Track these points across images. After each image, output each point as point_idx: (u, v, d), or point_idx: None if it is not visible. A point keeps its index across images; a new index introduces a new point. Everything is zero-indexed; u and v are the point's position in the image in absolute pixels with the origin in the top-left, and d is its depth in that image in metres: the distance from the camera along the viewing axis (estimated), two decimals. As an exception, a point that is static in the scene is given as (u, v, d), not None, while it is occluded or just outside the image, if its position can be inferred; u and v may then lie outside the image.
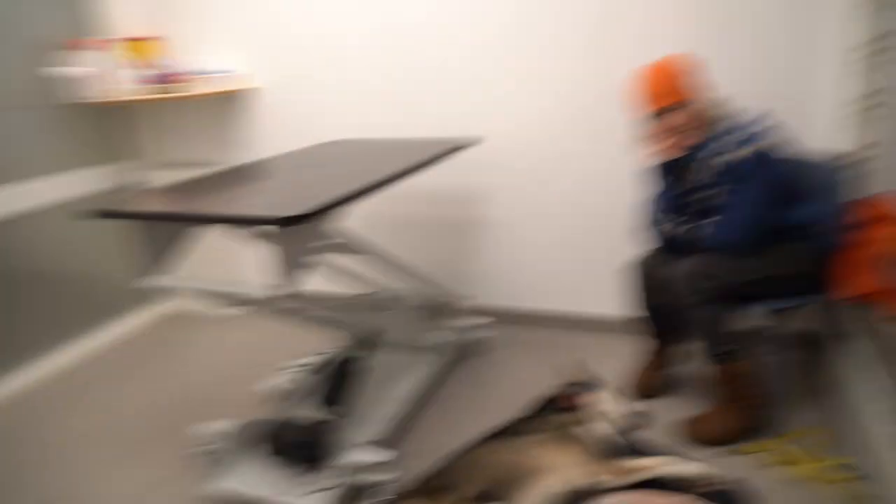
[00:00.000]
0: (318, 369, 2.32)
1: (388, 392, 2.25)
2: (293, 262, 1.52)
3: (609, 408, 1.96)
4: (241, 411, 2.20)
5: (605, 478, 1.70)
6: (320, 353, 2.43)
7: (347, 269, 2.33)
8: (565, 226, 2.79)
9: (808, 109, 2.28)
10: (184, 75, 2.95)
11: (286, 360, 2.50)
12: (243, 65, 3.05)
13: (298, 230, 1.49)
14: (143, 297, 3.37)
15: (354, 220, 2.79)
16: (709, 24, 2.34)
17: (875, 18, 1.89)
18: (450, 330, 2.62)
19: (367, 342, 2.31)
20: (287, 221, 1.40)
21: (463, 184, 2.87)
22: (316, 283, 3.03)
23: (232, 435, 1.91)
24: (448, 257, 3.01)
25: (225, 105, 3.13)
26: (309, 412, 2.07)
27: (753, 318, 2.06)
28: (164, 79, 2.91)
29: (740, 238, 1.90)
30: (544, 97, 2.64)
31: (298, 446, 1.85)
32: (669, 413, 2.15)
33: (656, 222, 2.09)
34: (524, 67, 2.63)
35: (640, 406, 2.08)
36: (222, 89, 2.98)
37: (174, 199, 1.74)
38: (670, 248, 2.08)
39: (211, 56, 3.04)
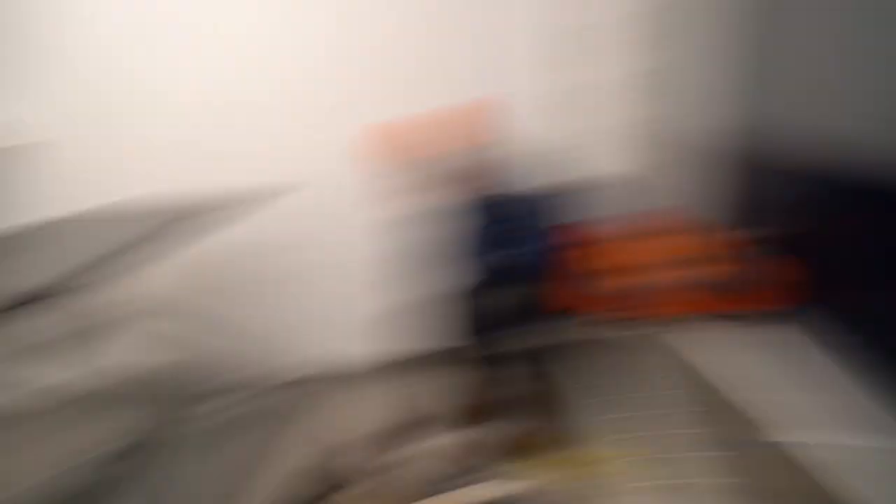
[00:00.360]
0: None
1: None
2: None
3: (437, 442, 1.98)
4: None
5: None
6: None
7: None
8: (360, 269, 2.50)
9: (584, 137, 2.30)
10: None
11: None
12: (25, 116, 2.56)
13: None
14: None
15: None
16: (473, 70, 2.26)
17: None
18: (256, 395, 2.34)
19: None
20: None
21: (290, 232, 2.53)
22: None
23: None
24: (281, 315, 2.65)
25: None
26: None
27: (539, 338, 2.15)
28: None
29: (537, 269, 2.00)
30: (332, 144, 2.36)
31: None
32: (496, 435, 2.10)
33: (454, 260, 2.08)
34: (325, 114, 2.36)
35: (466, 435, 2.08)
36: None
37: None
38: (481, 282, 2.09)
39: None
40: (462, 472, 1.95)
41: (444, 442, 2.01)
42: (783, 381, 1.48)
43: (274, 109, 2.43)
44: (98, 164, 2.62)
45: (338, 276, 2.62)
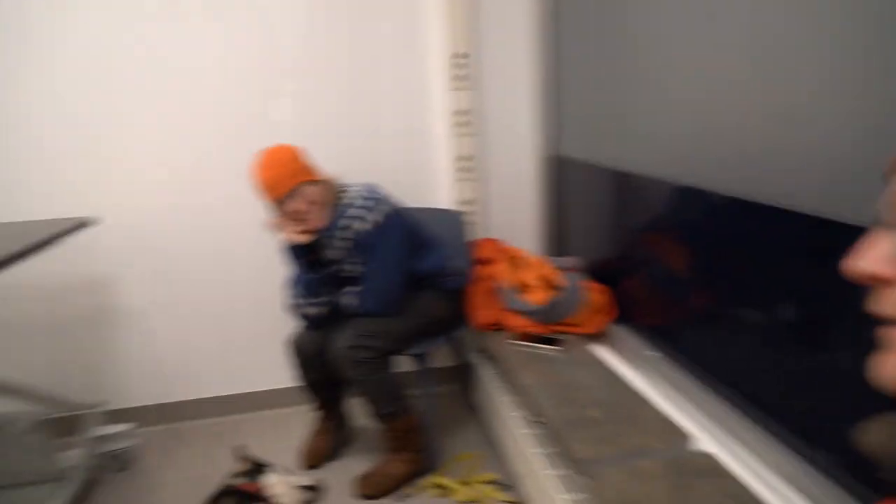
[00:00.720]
0: None
1: None
2: None
3: (280, 489, 1.90)
4: None
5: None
6: None
7: None
8: (208, 305, 2.46)
9: (425, 172, 2.48)
10: None
11: None
12: None
13: None
14: None
15: None
16: (330, 101, 2.36)
17: (456, 95, 2.34)
18: (82, 448, 2.10)
19: None
20: None
21: (80, 272, 2.35)
22: None
23: None
24: (70, 362, 2.41)
25: None
26: None
27: (404, 364, 2.15)
28: None
29: (386, 304, 1.98)
30: (166, 171, 2.32)
31: None
32: (343, 475, 2.11)
33: (297, 305, 2.06)
34: (140, 140, 2.27)
35: (312, 477, 2.04)
36: None
37: None
38: (317, 324, 2.08)
39: None
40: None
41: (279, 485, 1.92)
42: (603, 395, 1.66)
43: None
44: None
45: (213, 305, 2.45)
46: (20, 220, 2.13)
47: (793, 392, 1.31)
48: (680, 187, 1.62)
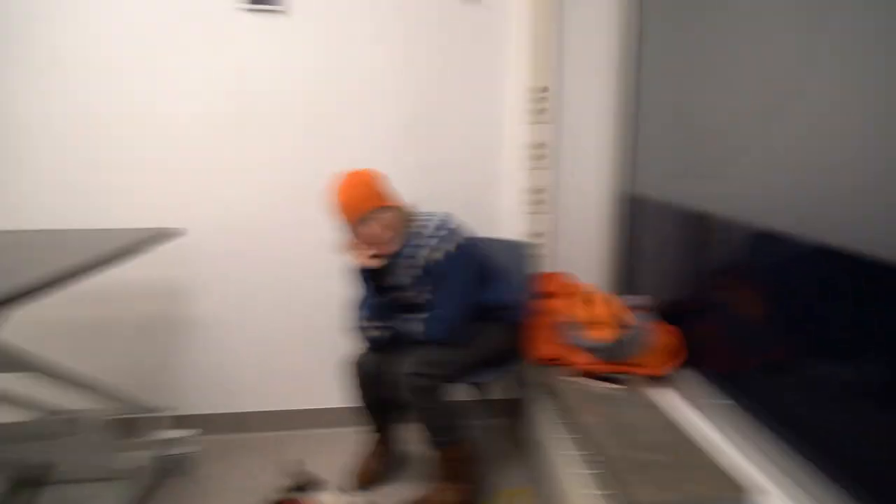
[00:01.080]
0: None
1: None
2: None
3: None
4: None
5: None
6: None
7: (6, 390, 1.98)
8: (277, 321, 2.55)
9: (493, 202, 2.51)
10: None
11: None
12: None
13: None
14: None
15: (23, 327, 2.38)
16: (407, 128, 2.42)
17: (533, 128, 2.37)
18: (146, 450, 2.20)
19: (30, 480, 1.94)
20: None
21: (161, 280, 2.48)
22: None
23: None
24: (144, 365, 2.54)
25: None
26: None
27: (462, 393, 2.16)
28: None
29: (451, 334, 1.98)
30: (249, 188, 2.45)
31: None
32: (393, 499, 2.13)
33: (361, 327, 2.10)
34: (225, 157, 2.41)
35: (363, 498, 2.10)
36: None
37: None
38: (378, 347, 2.11)
39: None
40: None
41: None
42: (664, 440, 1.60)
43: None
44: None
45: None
46: (110, 227, 2.32)
47: (876, 452, 1.21)
48: (761, 231, 1.56)
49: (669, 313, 2.09)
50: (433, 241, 1.91)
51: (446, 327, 1.95)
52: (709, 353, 1.88)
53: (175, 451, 2.28)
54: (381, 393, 2.08)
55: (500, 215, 2.52)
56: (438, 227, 1.93)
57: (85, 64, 2.27)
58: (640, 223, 2.38)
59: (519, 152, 2.43)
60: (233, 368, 2.56)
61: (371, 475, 2.20)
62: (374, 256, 1.96)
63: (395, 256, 1.97)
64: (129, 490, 2.04)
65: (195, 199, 2.42)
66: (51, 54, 2.25)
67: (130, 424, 2.41)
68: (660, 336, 1.98)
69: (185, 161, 2.38)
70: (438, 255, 1.90)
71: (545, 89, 2.34)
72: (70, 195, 2.35)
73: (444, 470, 2.02)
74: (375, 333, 2.05)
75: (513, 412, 2.65)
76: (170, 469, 2.30)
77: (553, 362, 2.10)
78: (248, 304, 2.52)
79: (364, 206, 1.89)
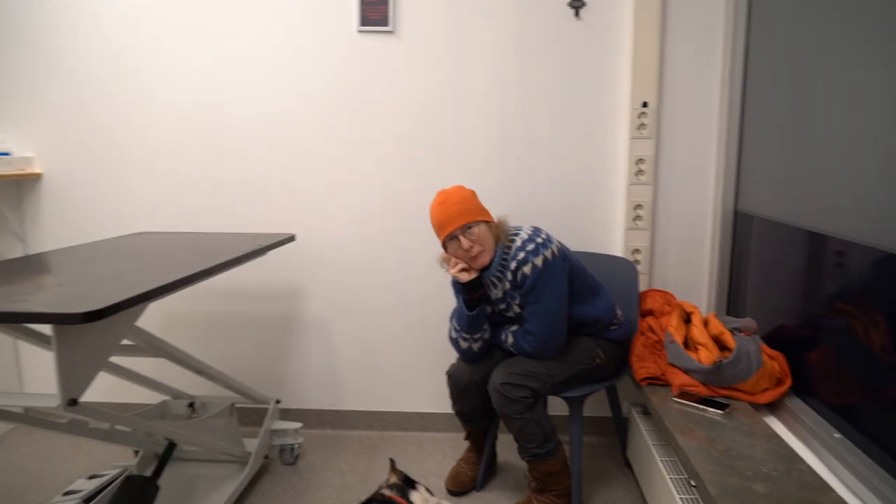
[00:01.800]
0: (94, 494, 2.05)
1: None
2: (78, 367, 1.30)
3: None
4: None
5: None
6: (97, 475, 2.20)
7: (140, 373, 2.17)
8: (380, 325, 2.67)
9: (591, 217, 2.49)
10: None
11: (59, 486, 2.28)
12: (24, 148, 2.63)
13: (90, 329, 1.29)
14: None
15: (151, 317, 2.71)
16: (518, 137, 2.46)
17: (636, 143, 2.39)
18: (256, 437, 2.34)
19: (159, 457, 2.10)
20: (85, 318, 1.15)
21: (273, 281, 2.65)
22: (101, 390, 2.85)
23: None
24: (255, 358, 2.73)
25: None
26: None
27: (558, 407, 2.38)
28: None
29: (544, 348, 1.98)
30: (358, 197, 2.58)
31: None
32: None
33: (454, 338, 2.13)
34: (339, 169, 2.57)
35: (452, 503, 2.16)
36: None
37: None
38: (470, 358, 2.13)
39: None
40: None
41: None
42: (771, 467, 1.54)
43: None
44: (99, 199, 2.63)
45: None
46: (235, 231, 2.53)
47: None
48: (887, 254, 1.48)
49: (775, 337, 2.01)
50: (521, 255, 1.93)
51: (539, 342, 1.96)
52: (819, 382, 1.78)
53: (284, 441, 2.44)
54: (475, 402, 2.13)
55: (603, 231, 2.50)
56: (527, 241, 1.95)
57: (218, 81, 2.49)
58: (745, 241, 2.29)
59: (619, 167, 2.43)
60: (337, 368, 2.71)
61: (463, 482, 2.25)
62: (469, 270, 1.98)
63: (486, 270, 2.00)
64: (246, 472, 2.20)
65: (309, 208, 2.59)
66: (184, 68, 2.50)
67: (243, 412, 2.68)
68: (767, 361, 1.90)
69: (301, 172, 2.55)
70: (532, 269, 1.91)
71: (646, 104, 2.33)
72: (196, 202, 2.59)
73: (536, 482, 2.03)
74: (465, 345, 2.08)
75: (612, 430, 2.65)
76: (279, 458, 2.48)
77: (651, 381, 2.06)
78: (353, 309, 2.65)
79: (459, 219, 1.93)
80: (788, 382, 1.88)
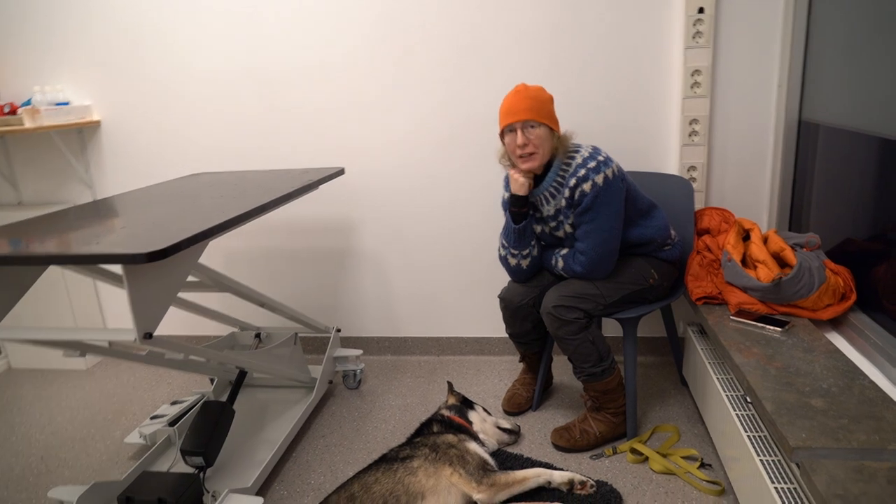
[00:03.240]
0: (178, 418, 2.23)
1: (257, 435, 2.14)
2: (149, 303, 1.37)
3: (482, 426, 2.07)
4: (95, 472, 2.11)
5: (482, 496, 1.69)
6: (178, 401, 2.39)
7: (208, 307, 2.27)
8: (433, 253, 2.71)
9: (653, 132, 2.39)
10: (11, 108, 2.63)
11: (146, 411, 2.47)
12: (83, 97, 2.73)
13: (157, 267, 1.36)
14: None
15: (214, 255, 2.82)
16: (567, 56, 2.36)
17: (690, 53, 2.26)
18: (320, 364, 2.44)
19: (232, 384, 2.22)
20: (150, 257, 1.22)
21: (327, 215, 2.69)
22: (175, 324, 3.02)
23: (83, 500, 1.73)
24: (315, 290, 2.82)
25: (61, 140, 2.76)
26: (170, 466, 1.97)
27: (613, 327, 2.45)
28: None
29: (595, 270, 1.96)
30: (405, 128, 2.55)
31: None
32: (540, 425, 2.22)
33: (503, 254, 2.12)
34: (385, 100, 2.54)
35: (512, 422, 2.17)
36: (56, 123, 2.59)
37: (11, 241, 1.47)
38: (519, 276, 2.14)
39: (43, 87, 2.67)
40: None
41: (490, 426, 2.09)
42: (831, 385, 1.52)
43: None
44: (155, 144, 2.72)
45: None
46: (289, 167, 2.59)
47: None
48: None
49: (841, 252, 1.94)
50: (581, 172, 1.86)
51: (591, 264, 1.93)
52: (887, 296, 1.72)
53: (346, 367, 2.56)
54: (528, 324, 2.15)
55: (659, 148, 2.41)
56: (588, 158, 1.88)
57: (264, 23, 2.46)
58: (810, 152, 2.17)
59: (673, 81, 2.31)
60: (393, 297, 2.78)
61: (518, 402, 2.31)
62: (524, 172, 1.92)
63: (540, 183, 1.96)
64: (313, 396, 2.33)
65: (356, 143, 2.59)
66: (232, 10, 2.48)
67: (306, 342, 2.82)
68: (830, 277, 1.84)
69: (349, 107, 2.54)
70: (586, 186, 1.85)
71: (702, 10, 2.17)
72: (247, 141, 2.64)
73: (591, 401, 2.08)
74: (513, 261, 2.07)
75: (667, 350, 2.66)
76: (342, 382, 2.61)
77: (707, 301, 2.04)
78: (405, 238, 2.69)
79: (534, 112, 1.84)
80: (853, 298, 1.83)
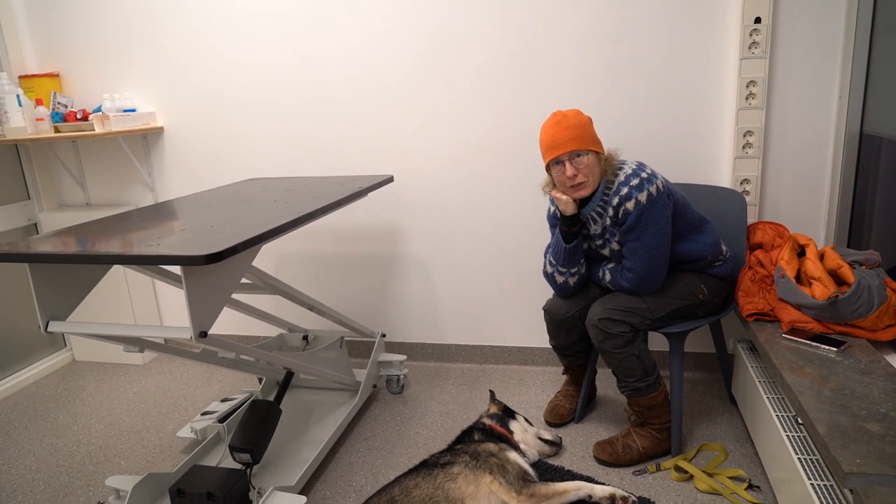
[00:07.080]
0: (227, 415, 2.30)
1: (302, 435, 2.18)
2: (205, 303, 1.43)
3: (523, 437, 2.07)
4: (149, 463, 2.19)
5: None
6: (228, 399, 2.45)
7: (259, 309, 2.33)
8: (478, 262, 2.73)
9: (705, 144, 2.35)
10: (83, 114, 2.75)
11: (198, 407, 2.55)
12: (147, 104, 2.88)
13: (213, 269, 1.41)
14: (46, 344, 3.11)
15: (266, 258, 2.90)
16: (620, 67, 2.35)
17: (745, 64, 2.23)
18: (367, 368, 2.46)
19: (279, 384, 2.27)
20: (207, 259, 1.27)
21: (376, 222, 2.72)
22: (227, 324, 3.10)
23: (138, 489, 1.80)
24: (361, 295, 2.86)
25: (127, 145, 2.92)
26: (219, 461, 2.03)
27: (659, 342, 2.41)
28: (61, 117, 2.75)
29: (643, 286, 1.94)
30: (453, 137, 2.59)
31: (207, 498, 1.71)
32: (582, 438, 2.22)
33: (551, 275, 2.11)
34: (434, 110, 2.58)
35: (554, 433, 2.20)
36: (124, 129, 2.72)
37: (79, 240, 1.55)
38: (565, 293, 2.13)
39: (112, 95, 2.83)
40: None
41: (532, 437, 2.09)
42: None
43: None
44: (212, 150, 2.84)
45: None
46: (337, 175, 2.66)
47: None
48: None
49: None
50: (624, 190, 1.84)
51: (638, 280, 1.90)
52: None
53: (387, 371, 2.59)
54: (572, 337, 2.14)
55: (711, 160, 2.37)
56: (631, 175, 1.86)
57: (313, 34, 2.54)
58: (872, 166, 2.10)
59: (727, 92, 2.27)
60: (437, 304, 2.81)
61: (560, 414, 2.30)
62: (573, 198, 1.92)
63: (587, 203, 1.95)
64: (357, 399, 2.37)
65: (405, 151, 2.64)
66: (284, 22, 2.56)
67: (351, 346, 2.88)
68: (888, 296, 1.77)
69: (398, 117, 2.59)
70: (630, 205, 1.83)
71: (758, 20, 2.13)
72: (301, 149, 2.72)
73: (635, 415, 2.05)
74: (560, 279, 2.07)
75: (716, 367, 2.60)
76: (386, 387, 2.64)
77: (758, 317, 1.98)
78: (452, 247, 2.72)
79: (576, 143, 1.83)
80: (916, 319, 1.77)
